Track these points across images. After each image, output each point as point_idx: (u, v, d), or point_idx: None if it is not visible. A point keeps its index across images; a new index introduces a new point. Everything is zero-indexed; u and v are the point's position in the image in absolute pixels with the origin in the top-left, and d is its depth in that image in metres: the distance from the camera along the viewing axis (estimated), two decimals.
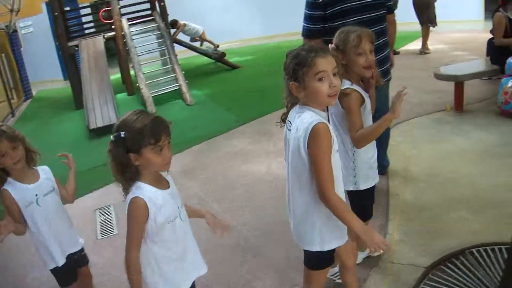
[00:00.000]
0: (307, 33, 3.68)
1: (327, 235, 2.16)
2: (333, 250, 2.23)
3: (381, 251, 2.80)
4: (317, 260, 2.26)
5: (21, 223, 2.53)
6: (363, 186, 2.69)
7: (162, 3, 10.44)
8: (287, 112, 2.20)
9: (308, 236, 2.18)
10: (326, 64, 1.98)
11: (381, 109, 3.66)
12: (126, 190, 2.00)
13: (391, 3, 3.81)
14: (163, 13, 10.44)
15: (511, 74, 5.44)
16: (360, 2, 3.52)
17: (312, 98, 2.03)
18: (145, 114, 1.97)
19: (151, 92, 8.57)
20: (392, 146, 4.57)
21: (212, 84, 10.06)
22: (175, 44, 10.33)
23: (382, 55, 3.71)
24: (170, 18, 10.91)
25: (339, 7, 3.50)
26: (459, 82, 5.77)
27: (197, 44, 12.22)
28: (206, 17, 14.38)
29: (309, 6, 3.61)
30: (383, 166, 4.20)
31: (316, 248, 2.18)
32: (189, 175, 5.09)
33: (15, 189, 2.50)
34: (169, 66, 9.41)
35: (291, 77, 2.05)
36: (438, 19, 9.69)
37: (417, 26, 9.85)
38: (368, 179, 2.71)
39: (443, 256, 3.08)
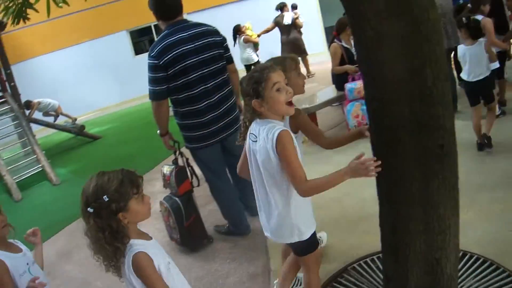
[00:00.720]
0: (154, 96, 3.74)
1: (303, 226, 2.48)
2: (314, 233, 2.57)
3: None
4: (304, 247, 2.59)
5: None
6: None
7: (12, 83, 9.96)
8: (245, 130, 2.48)
9: (287, 231, 2.48)
10: (278, 76, 2.34)
11: (233, 153, 3.87)
12: (121, 254, 1.97)
13: (229, 54, 4.02)
14: (15, 94, 9.95)
15: (353, 99, 5.95)
16: (198, 58, 3.69)
17: (273, 108, 2.34)
18: (108, 172, 1.99)
19: (14, 178, 8.06)
20: None
21: (76, 159, 9.80)
22: (32, 124, 9.89)
23: (229, 104, 3.95)
24: (23, 98, 10.45)
25: (179, 66, 3.64)
26: (311, 113, 6.17)
27: (51, 119, 11.84)
28: (59, 92, 14.01)
29: (151, 69, 3.68)
30: (252, 208, 4.23)
31: (296, 239, 2.49)
32: (66, 258, 4.86)
33: (8, 258, 2.31)
34: (29, 147, 8.97)
35: (253, 96, 2.33)
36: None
37: None
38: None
39: (329, 277, 3.26)
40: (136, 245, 1.99)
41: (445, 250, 2.27)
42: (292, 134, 2.34)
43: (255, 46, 11.24)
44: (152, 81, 3.70)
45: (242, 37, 10.96)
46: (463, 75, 5.08)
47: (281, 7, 11.38)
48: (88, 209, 1.93)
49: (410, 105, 1.99)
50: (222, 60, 3.88)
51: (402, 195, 2.20)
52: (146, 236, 2.12)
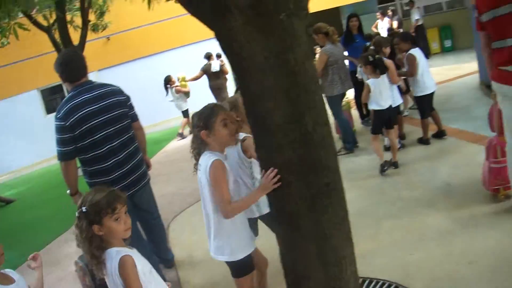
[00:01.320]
0: (62, 157, 3.75)
1: (236, 246, 2.83)
2: (248, 257, 2.89)
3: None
4: (236, 269, 2.91)
5: None
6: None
7: None
8: (197, 162, 2.87)
9: (220, 250, 2.86)
10: (225, 114, 2.81)
11: (143, 207, 3.95)
12: (96, 260, 2.30)
13: (133, 112, 4.12)
14: None
15: None
16: (103, 118, 3.76)
17: (218, 139, 2.79)
18: (102, 190, 2.35)
19: None
20: (173, 238, 4.84)
21: None
22: None
23: (136, 160, 4.02)
24: None
25: (85, 127, 3.68)
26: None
27: None
28: None
29: (58, 130, 3.70)
30: (167, 260, 4.44)
31: (227, 258, 2.86)
32: None
33: None
34: None
35: (202, 128, 2.76)
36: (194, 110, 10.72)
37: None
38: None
39: None
40: (120, 251, 2.30)
41: (343, 279, 2.44)
42: (226, 164, 2.79)
43: (186, 95, 11.96)
44: (60, 142, 3.71)
45: (173, 88, 11.80)
46: (376, 105, 5.55)
47: (208, 56, 12.23)
48: (76, 213, 2.31)
49: (294, 150, 2.19)
50: (127, 118, 3.97)
51: (297, 232, 2.36)
52: (128, 246, 2.42)
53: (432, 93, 6.22)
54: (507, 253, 3.44)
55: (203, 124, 2.78)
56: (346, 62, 7.26)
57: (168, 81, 12.04)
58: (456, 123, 6.94)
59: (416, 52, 6.18)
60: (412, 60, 6.15)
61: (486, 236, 3.73)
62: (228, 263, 2.92)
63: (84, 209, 2.27)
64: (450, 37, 16.00)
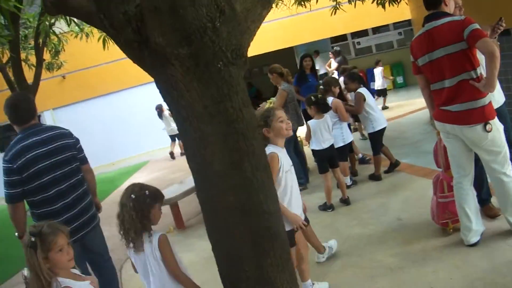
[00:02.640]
0: (9, 199, 3.69)
1: None
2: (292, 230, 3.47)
3: None
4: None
5: None
6: None
7: None
8: None
9: None
10: (281, 113, 3.57)
11: (93, 250, 3.92)
12: (140, 237, 2.87)
13: (83, 154, 4.10)
14: None
15: None
16: (51, 160, 3.75)
17: (277, 134, 3.54)
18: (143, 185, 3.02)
19: None
20: (126, 280, 4.78)
21: None
22: None
23: (85, 203, 3.99)
24: None
25: (33, 169, 3.66)
26: (173, 204, 6.28)
27: None
28: None
29: (6, 172, 3.65)
30: None
31: None
32: None
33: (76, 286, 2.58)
34: None
35: (263, 126, 3.48)
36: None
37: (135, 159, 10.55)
38: None
39: None
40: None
41: None
42: (282, 155, 3.51)
43: None
44: (7, 184, 3.67)
45: (167, 112, 12.52)
46: (317, 146, 5.66)
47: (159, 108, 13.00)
48: (132, 195, 2.89)
49: (235, 195, 2.23)
50: (75, 161, 3.96)
51: (240, 275, 2.37)
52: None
53: (383, 129, 6.39)
54: (457, 285, 3.53)
55: (263, 122, 3.48)
56: None
57: (160, 109, 12.84)
58: (407, 158, 7.17)
59: (364, 91, 6.38)
60: (359, 98, 6.35)
61: (436, 269, 3.83)
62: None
63: (147, 192, 2.92)
64: (401, 73, 16.61)
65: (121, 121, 14.75)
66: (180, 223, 6.36)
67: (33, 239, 2.45)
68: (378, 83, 13.08)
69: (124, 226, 2.90)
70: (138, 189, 2.91)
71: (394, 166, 6.67)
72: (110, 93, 15.86)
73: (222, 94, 2.14)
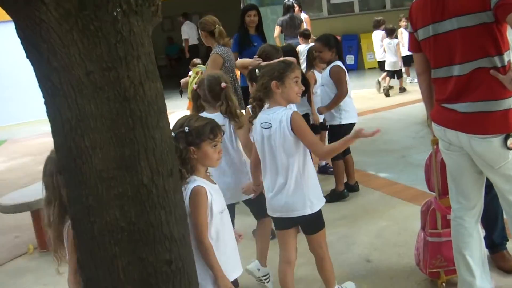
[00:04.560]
0: None
1: (314, 198, 4.12)
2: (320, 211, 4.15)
3: None
4: (315, 221, 4.20)
5: None
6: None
7: None
8: (255, 116, 4.14)
9: (301, 204, 4.03)
10: (299, 73, 4.15)
11: None
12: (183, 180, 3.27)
13: None
14: None
15: None
16: None
17: (286, 94, 4.05)
18: (203, 118, 3.62)
19: None
20: None
21: None
22: None
23: None
24: None
25: None
26: (35, 211, 6.15)
27: None
28: None
29: None
30: None
31: (309, 211, 4.03)
32: None
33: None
34: None
35: (273, 78, 3.99)
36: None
37: None
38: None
39: None
40: (199, 180, 3.36)
41: None
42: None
43: None
44: None
45: None
46: None
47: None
48: (172, 133, 3.15)
49: (122, 208, 2.24)
50: None
51: None
52: (211, 180, 3.54)
53: (353, 125, 6.47)
54: None
55: (277, 74, 4.00)
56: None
57: None
58: (387, 171, 7.37)
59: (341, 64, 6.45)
60: (341, 75, 6.38)
61: None
62: (305, 216, 4.02)
63: (186, 129, 3.35)
64: None
65: None
66: (44, 241, 6.22)
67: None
68: (381, 54, 13.51)
69: None
70: (178, 125, 3.46)
71: (349, 189, 6.80)
72: None
73: (116, 57, 2.15)
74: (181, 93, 6.99)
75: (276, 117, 3.98)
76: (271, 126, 4.01)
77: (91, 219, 2.29)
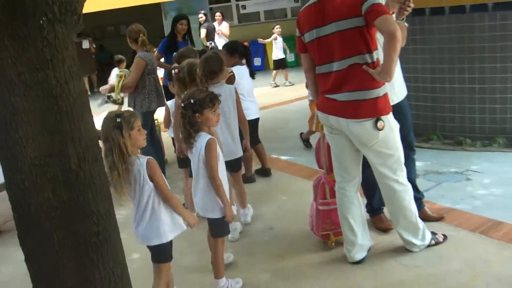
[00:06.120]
0: None
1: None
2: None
3: None
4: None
5: None
6: None
7: None
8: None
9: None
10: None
11: None
12: (191, 138, 3.94)
13: None
14: None
15: None
16: None
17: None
18: (203, 90, 4.28)
19: None
20: None
21: None
22: None
23: None
24: None
25: None
26: None
27: None
28: None
29: None
30: None
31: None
32: None
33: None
34: None
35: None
36: None
37: None
38: None
39: None
40: (208, 135, 3.95)
41: None
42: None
43: None
44: None
45: None
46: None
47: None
48: (181, 104, 3.97)
49: (54, 190, 2.23)
50: None
51: None
52: (216, 135, 4.18)
53: (255, 120, 6.51)
54: None
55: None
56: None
57: None
58: (288, 154, 7.49)
59: (239, 69, 6.40)
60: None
61: None
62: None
63: (192, 100, 3.89)
64: (293, 50, 16.92)
65: None
66: None
67: (118, 120, 3.36)
68: (276, 53, 13.63)
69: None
70: (186, 97, 4.00)
71: (265, 173, 6.84)
72: None
73: (43, 59, 2.13)
74: (109, 98, 6.82)
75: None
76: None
77: (27, 200, 2.28)
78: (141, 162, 3.48)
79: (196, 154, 4.01)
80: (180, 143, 4.64)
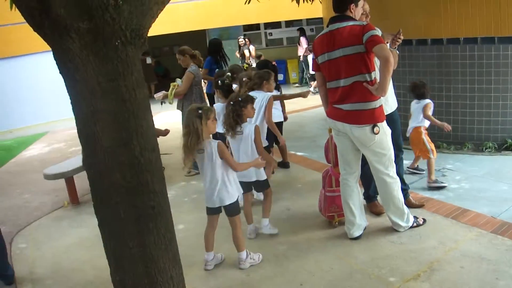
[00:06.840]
0: None
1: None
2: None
3: None
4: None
5: None
6: None
7: None
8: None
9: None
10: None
11: None
12: (236, 129, 4.30)
13: None
14: None
15: None
16: None
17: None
18: (243, 94, 4.66)
19: None
20: (16, 254, 4.64)
21: None
22: None
23: None
24: None
25: None
26: (68, 178, 6.14)
27: None
28: None
29: None
30: (6, 276, 4.21)
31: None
32: None
33: None
34: None
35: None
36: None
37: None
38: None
39: None
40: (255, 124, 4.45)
41: None
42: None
43: None
44: None
45: None
46: (219, 128, 5.69)
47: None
48: (231, 102, 4.26)
49: (122, 172, 2.29)
50: None
51: (124, 252, 2.45)
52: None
53: (279, 123, 6.49)
54: (333, 276, 3.80)
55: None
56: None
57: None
58: (303, 151, 7.52)
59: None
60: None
61: (319, 259, 4.08)
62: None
63: (240, 98, 4.23)
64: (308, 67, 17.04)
65: (22, 88, 13.87)
66: (75, 198, 6.21)
67: (199, 111, 3.69)
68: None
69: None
70: (234, 97, 4.30)
71: (285, 165, 6.85)
72: (13, 56, 14.85)
73: (117, 72, 2.19)
74: (162, 103, 6.89)
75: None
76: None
77: (101, 179, 2.35)
78: (213, 145, 3.80)
79: (246, 139, 4.30)
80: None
